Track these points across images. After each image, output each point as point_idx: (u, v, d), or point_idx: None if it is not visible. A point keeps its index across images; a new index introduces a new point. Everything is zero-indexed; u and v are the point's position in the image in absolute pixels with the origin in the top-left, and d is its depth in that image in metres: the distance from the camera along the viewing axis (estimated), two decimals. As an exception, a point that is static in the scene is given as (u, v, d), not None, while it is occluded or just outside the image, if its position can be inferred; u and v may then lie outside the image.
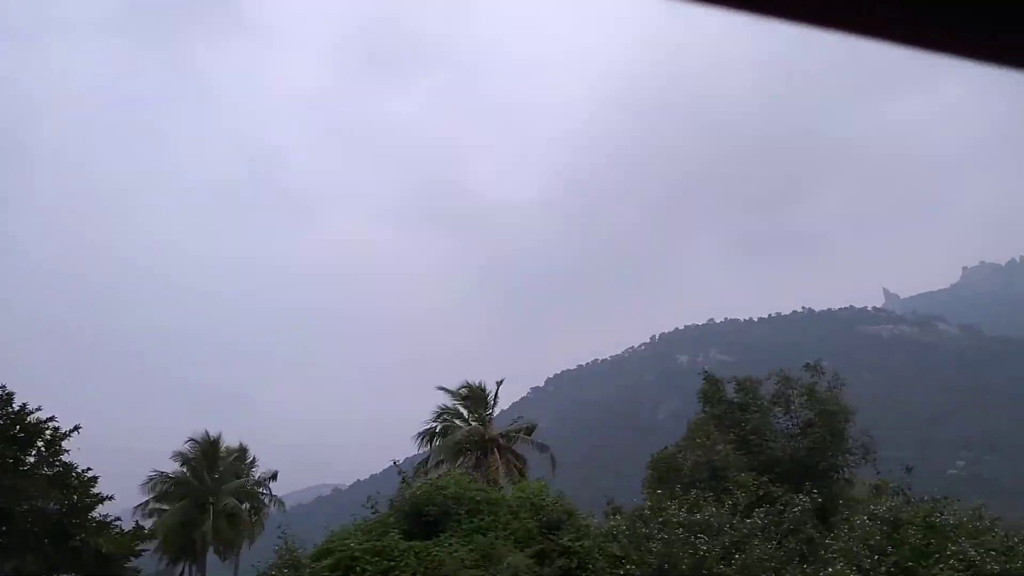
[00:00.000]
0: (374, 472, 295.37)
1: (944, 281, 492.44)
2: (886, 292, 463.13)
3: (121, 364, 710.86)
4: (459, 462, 43.93)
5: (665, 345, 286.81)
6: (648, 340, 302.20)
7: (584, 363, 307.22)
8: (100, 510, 38.76)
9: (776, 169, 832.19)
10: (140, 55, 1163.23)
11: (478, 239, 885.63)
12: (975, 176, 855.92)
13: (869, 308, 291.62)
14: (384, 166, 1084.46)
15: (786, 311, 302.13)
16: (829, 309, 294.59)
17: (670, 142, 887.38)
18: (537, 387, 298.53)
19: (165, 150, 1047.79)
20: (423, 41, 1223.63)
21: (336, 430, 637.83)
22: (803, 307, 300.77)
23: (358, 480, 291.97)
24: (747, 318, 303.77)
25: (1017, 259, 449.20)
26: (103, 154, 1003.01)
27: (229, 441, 58.57)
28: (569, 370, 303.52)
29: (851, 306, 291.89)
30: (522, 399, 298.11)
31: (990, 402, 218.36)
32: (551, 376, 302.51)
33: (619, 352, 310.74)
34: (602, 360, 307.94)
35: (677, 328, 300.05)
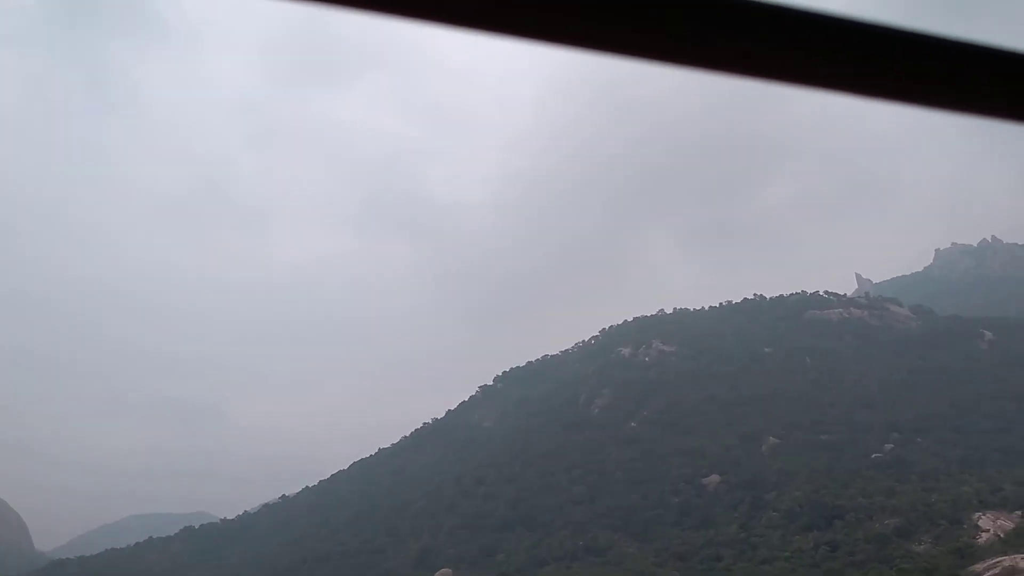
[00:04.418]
0: (322, 478, 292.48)
1: (918, 264, 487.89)
2: (859, 277, 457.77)
3: (90, 383, 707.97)
4: None
5: (611, 338, 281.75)
6: (597, 334, 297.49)
7: (534, 359, 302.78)
8: None
9: (733, 159, 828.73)
10: (60, 70, 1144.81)
11: (434, 243, 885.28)
12: (935, 157, 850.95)
13: (821, 293, 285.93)
14: (334, 173, 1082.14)
15: (737, 299, 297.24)
16: (780, 295, 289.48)
17: (618, 138, 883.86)
18: (486, 385, 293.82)
19: (109, 166, 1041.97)
20: (357, 44, 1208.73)
21: (307, 437, 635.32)
22: (755, 294, 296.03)
23: (307, 487, 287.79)
24: (697, 308, 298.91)
25: (988, 239, 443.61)
26: (43, 174, 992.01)
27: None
28: (518, 367, 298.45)
29: (802, 291, 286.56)
30: (471, 398, 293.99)
31: (931, 383, 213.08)
32: (499, 374, 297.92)
33: (568, 347, 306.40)
34: (551, 356, 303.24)
35: (626, 320, 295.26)
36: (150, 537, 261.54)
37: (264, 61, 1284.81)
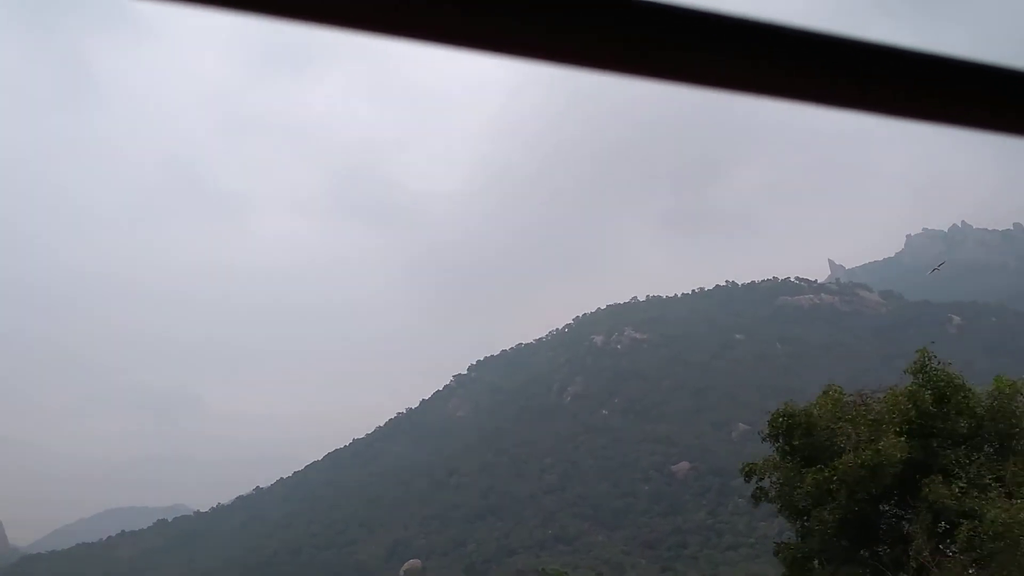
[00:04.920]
0: (297, 469, 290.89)
1: (890, 249, 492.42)
2: (831, 263, 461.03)
3: (70, 374, 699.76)
4: None
5: (584, 326, 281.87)
6: (571, 322, 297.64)
7: (508, 348, 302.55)
8: None
9: (704, 145, 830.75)
10: (34, 61, 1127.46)
11: (408, 231, 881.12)
12: (905, 142, 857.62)
13: (792, 279, 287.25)
14: (308, 160, 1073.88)
15: (710, 286, 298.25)
16: (752, 282, 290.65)
17: (589, 126, 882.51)
18: (460, 374, 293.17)
19: (86, 153, 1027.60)
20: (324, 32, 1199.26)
21: (283, 427, 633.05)
22: (727, 280, 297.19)
23: (281, 478, 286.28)
24: (670, 295, 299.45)
25: (959, 224, 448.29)
26: (22, 162, 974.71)
27: None
28: (492, 356, 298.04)
29: (774, 278, 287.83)
30: (445, 388, 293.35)
31: (899, 368, 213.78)
32: (473, 363, 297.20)
33: (542, 335, 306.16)
34: (525, 344, 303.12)
35: (599, 308, 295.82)
36: (122, 531, 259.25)
37: (237, 50, 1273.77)
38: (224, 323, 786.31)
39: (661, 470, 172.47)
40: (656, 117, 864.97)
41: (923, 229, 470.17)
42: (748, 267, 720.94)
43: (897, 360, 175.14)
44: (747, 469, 26.39)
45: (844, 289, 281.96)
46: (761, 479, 25.85)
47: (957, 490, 22.14)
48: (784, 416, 25.46)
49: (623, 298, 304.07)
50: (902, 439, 22.91)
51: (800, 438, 25.09)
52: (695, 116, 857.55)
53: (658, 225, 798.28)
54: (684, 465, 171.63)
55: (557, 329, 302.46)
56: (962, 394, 24.85)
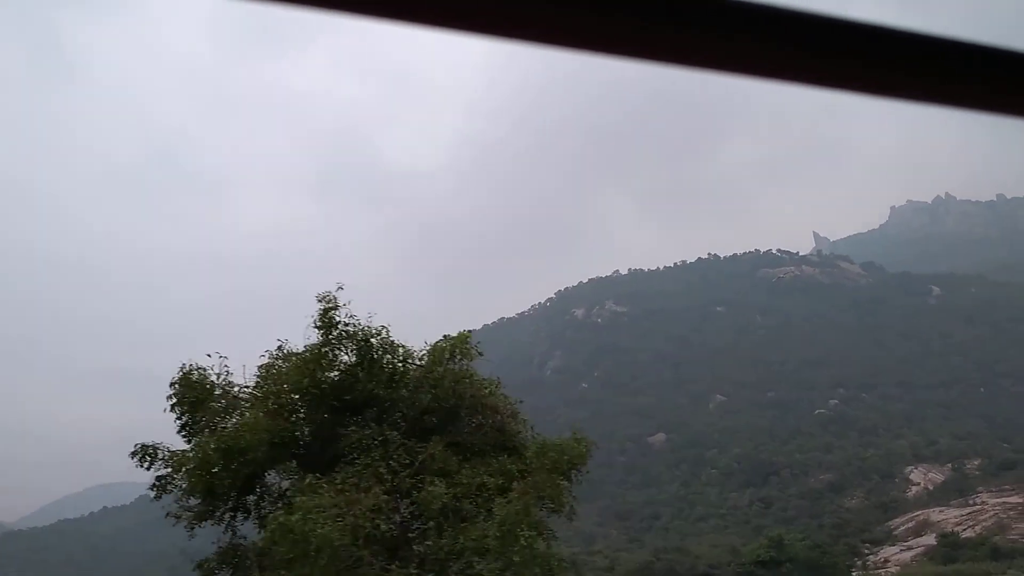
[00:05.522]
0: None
1: (875, 222, 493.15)
2: (816, 236, 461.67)
3: (50, 354, 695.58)
4: None
5: (565, 300, 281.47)
6: (553, 296, 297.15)
7: (490, 322, 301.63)
8: None
9: (688, 120, 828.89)
10: (4, 37, 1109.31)
11: (393, 209, 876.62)
12: (888, 114, 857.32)
13: (774, 251, 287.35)
14: (291, 140, 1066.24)
15: (692, 259, 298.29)
16: (734, 255, 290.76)
17: (572, 101, 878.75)
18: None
19: (59, 134, 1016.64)
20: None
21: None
22: (709, 253, 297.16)
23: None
24: (652, 268, 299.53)
25: (943, 196, 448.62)
26: None
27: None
28: (474, 330, 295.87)
29: (755, 250, 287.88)
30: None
31: (878, 340, 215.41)
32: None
33: (524, 310, 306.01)
34: (507, 318, 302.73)
35: (581, 282, 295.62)
36: (104, 507, 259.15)
37: (216, 27, 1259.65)
38: (208, 305, 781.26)
39: (637, 441, 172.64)
40: (639, 95, 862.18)
41: (907, 201, 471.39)
42: (734, 241, 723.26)
43: (876, 332, 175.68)
44: (142, 452, 19.58)
45: (825, 261, 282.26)
46: (168, 466, 19.51)
47: (339, 482, 17.02)
48: (180, 383, 19.50)
49: (605, 271, 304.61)
50: (260, 415, 18.07)
51: (189, 412, 19.46)
52: (679, 92, 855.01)
53: (643, 200, 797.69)
54: (660, 436, 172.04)
55: (539, 303, 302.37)
56: (390, 356, 19.93)
